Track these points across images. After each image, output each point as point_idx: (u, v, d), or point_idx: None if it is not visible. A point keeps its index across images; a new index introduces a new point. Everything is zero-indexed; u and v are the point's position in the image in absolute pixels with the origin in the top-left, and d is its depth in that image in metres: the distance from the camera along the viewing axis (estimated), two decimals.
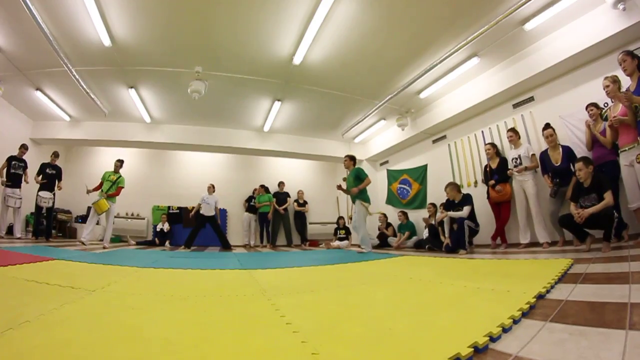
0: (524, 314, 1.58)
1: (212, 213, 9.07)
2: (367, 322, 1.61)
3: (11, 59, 6.71)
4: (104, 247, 7.02)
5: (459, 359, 1.02)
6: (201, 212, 8.97)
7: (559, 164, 5.16)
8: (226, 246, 9.13)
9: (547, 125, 5.36)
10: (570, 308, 1.65)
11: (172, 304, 2.06)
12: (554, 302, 1.80)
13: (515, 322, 1.46)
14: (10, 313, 1.61)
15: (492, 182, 6.09)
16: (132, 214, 11.06)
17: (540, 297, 1.89)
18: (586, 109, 4.88)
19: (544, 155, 5.42)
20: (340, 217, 10.85)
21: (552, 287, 2.14)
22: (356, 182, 6.68)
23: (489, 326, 1.32)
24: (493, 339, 1.24)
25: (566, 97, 5.76)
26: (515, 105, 6.68)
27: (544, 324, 1.43)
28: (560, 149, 5.23)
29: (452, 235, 6.05)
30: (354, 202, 6.96)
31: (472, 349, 1.10)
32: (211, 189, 9.36)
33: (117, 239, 9.99)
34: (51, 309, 1.72)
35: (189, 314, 1.83)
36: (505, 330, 1.35)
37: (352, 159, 7.09)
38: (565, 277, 2.50)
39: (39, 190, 7.85)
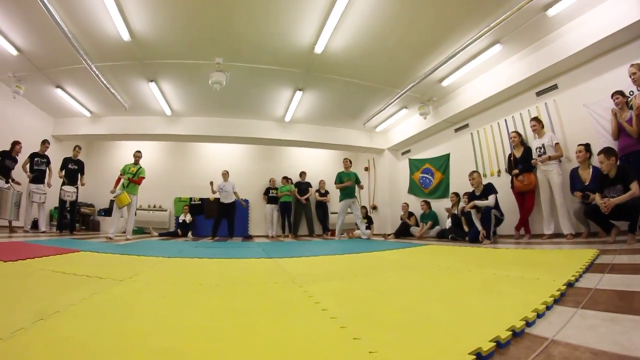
0: (556, 301, 1.59)
1: (232, 199, 9.23)
2: (402, 308, 1.63)
3: (30, 58, 6.85)
4: (127, 239, 7.20)
5: (499, 342, 1.05)
6: (221, 200, 9.16)
7: (587, 183, 5.03)
8: (230, 235, 9.34)
9: (581, 145, 5.18)
10: (599, 296, 1.66)
11: (203, 292, 2.06)
12: (584, 290, 1.81)
13: (548, 308, 1.48)
14: (39, 303, 1.62)
15: (515, 171, 6.03)
16: (154, 206, 11.28)
17: (569, 285, 1.90)
18: (612, 97, 4.77)
19: (574, 173, 5.30)
20: (363, 207, 10.87)
21: (580, 276, 2.14)
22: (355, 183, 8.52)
23: (524, 311, 1.34)
24: (529, 323, 1.26)
25: (591, 85, 5.65)
26: (539, 93, 6.58)
27: (575, 310, 1.45)
28: (591, 169, 5.08)
29: (482, 224, 5.97)
30: (352, 197, 8.56)
31: (511, 333, 1.13)
32: (226, 175, 9.55)
33: (140, 230, 10.26)
34: (81, 299, 1.73)
35: (222, 302, 1.82)
36: (539, 315, 1.37)
37: (351, 162, 8.95)
38: (592, 267, 2.50)
39: (62, 185, 8.04)
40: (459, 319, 1.40)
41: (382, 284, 2.33)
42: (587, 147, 5.12)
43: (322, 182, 11.81)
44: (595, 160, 4.80)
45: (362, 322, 1.36)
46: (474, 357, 0.94)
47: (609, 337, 1.10)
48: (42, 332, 1.21)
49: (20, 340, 1.11)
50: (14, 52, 6.56)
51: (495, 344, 1.04)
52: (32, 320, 1.31)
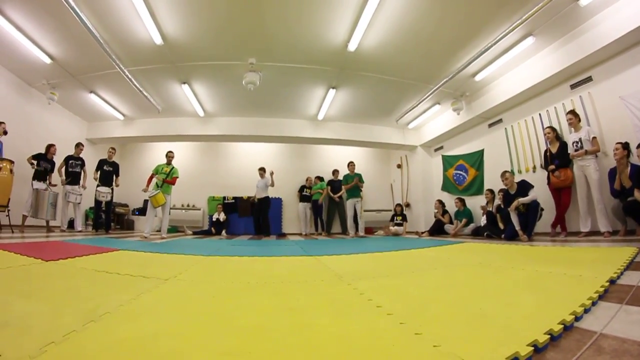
0: (600, 297, 1.63)
1: (265, 194, 9.46)
2: (454, 304, 1.67)
3: (63, 65, 7.12)
4: (162, 238, 7.38)
5: (552, 335, 1.12)
6: (257, 197, 9.40)
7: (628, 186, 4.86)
8: (260, 232, 9.55)
9: (619, 143, 5.00)
10: None
11: (252, 291, 2.03)
12: (626, 287, 1.84)
13: (594, 303, 1.52)
14: (87, 304, 1.59)
15: (552, 167, 5.97)
16: (188, 205, 11.53)
17: (612, 282, 1.93)
18: None
19: (613, 171, 5.17)
20: (398, 205, 10.96)
21: (621, 273, 2.16)
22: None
23: (571, 306, 1.39)
24: (577, 318, 1.32)
25: (626, 75, 5.50)
26: (573, 86, 6.45)
27: (620, 306, 1.49)
28: (629, 168, 4.90)
29: (520, 220, 5.90)
30: (357, 197, 10.09)
31: (562, 326, 1.19)
32: (262, 173, 9.76)
33: (174, 229, 10.47)
34: (129, 299, 1.72)
35: (275, 300, 1.79)
36: (586, 310, 1.42)
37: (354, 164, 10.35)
38: (632, 265, 2.50)
39: (97, 186, 8.31)
40: (512, 313, 1.44)
41: (429, 281, 2.36)
42: (626, 145, 4.98)
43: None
44: (623, 120, 4.88)
45: (418, 318, 1.38)
46: (532, 348, 1.02)
47: None
48: (95, 334, 1.20)
49: (74, 344, 1.10)
50: (47, 60, 6.85)
51: (549, 336, 1.11)
52: (83, 322, 1.30)
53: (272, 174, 9.56)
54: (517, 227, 5.89)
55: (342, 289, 2.07)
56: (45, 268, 2.64)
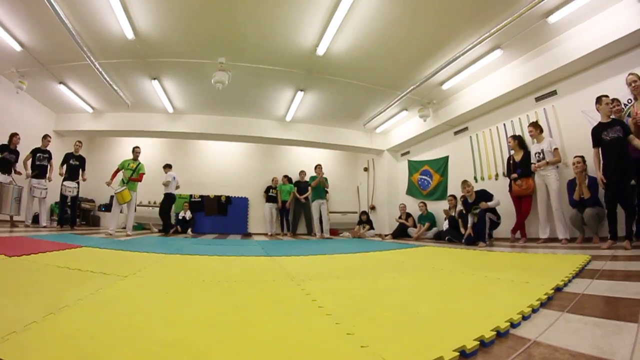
0: (542, 304, 1.66)
1: (169, 190, 9.38)
2: (394, 307, 1.71)
3: (34, 54, 6.88)
4: (127, 235, 7.24)
5: (483, 342, 1.12)
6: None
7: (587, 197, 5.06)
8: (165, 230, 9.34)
9: (578, 156, 5.19)
10: (586, 301, 1.72)
11: (205, 289, 2.13)
12: (571, 294, 1.88)
13: (534, 311, 1.55)
14: (48, 298, 1.68)
15: (514, 175, 6.11)
16: (154, 202, 11.28)
17: (558, 289, 1.97)
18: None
19: (572, 183, 5.37)
20: (363, 212, 11.18)
21: (569, 280, 2.21)
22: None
23: (510, 313, 1.41)
24: (514, 325, 1.33)
25: (589, 91, 5.60)
26: (538, 99, 6.60)
27: (560, 314, 1.51)
28: (587, 180, 5.13)
29: (473, 227, 6.09)
30: (323, 198, 10.29)
31: (495, 333, 1.20)
32: (167, 170, 9.74)
33: (140, 226, 10.33)
34: (87, 294, 1.79)
35: (223, 298, 1.89)
36: (524, 317, 1.43)
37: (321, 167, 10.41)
38: (582, 272, 2.56)
39: (63, 180, 8.07)
40: (448, 318, 1.47)
41: (377, 284, 2.40)
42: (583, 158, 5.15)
43: None
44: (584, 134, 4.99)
45: (356, 319, 1.43)
46: (458, 354, 1.02)
47: (589, 341, 1.16)
48: (54, 325, 1.27)
49: (34, 333, 1.16)
50: (18, 48, 6.59)
51: (479, 342, 1.11)
52: (43, 314, 1.36)
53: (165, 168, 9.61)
54: (469, 227, 6.15)
55: (290, 290, 2.15)
56: (8, 263, 2.68)
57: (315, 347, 1.13)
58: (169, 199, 9.30)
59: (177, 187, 9.68)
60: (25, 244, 4.07)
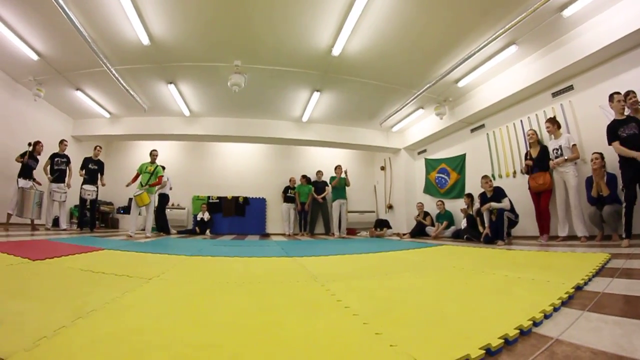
0: (564, 303, 1.68)
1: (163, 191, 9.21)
2: (419, 306, 1.73)
3: (51, 62, 7.06)
4: (146, 237, 7.35)
5: (507, 340, 1.16)
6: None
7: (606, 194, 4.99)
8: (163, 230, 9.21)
9: (596, 153, 5.12)
10: (606, 300, 1.73)
11: (229, 290, 2.13)
12: (591, 293, 1.89)
13: (556, 309, 1.57)
14: (74, 302, 1.67)
15: (528, 162, 6.10)
16: (173, 204, 11.44)
17: (578, 288, 1.98)
18: (625, 97, 4.63)
19: (590, 179, 5.30)
20: (378, 221, 11.30)
21: (589, 279, 2.21)
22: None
23: (532, 312, 1.44)
24: (536, 323, 1.36)
25: (606, 85, 5.57)
26: (555, 94, 6.56)
27: (581, 312, 1.53)
28: (605, 177, 5.06)
29: (491, 226, 6.08)
30: (344, 198, 10.51)
31: (518, 331, 1.23)
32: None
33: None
34: (114, 297, 1.79)
35: (249, 300, 1.89)
36: (546, 316, 1.46)
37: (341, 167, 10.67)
38: (602, 271, 2.55)
39: (82, 184, 8.24)
40: (472, 317, 1.50)
41: (400, 284, 2.42)
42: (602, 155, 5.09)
43: None
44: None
45: (382, 319, 1.45)
46: (484, 352, 1.06)
47: (610, 339, 1.18)
48: (84, 329, 1.28)
49: (64, 338, 1.17)
50: (35, 57, 6.77)
51: (503, 341, 1.15)
52: (72, 318, 1.38)
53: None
54: (487, 226, 6.16)
55: (315, 290, 2.15)
56: (32, 267, 2.67)
57: (346, 347, 1.15)
58: (163, 199, 9.33)
59: (170, 189, 9.75)
60: (47, 248, 4.12)
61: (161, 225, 9.17)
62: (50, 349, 1.07)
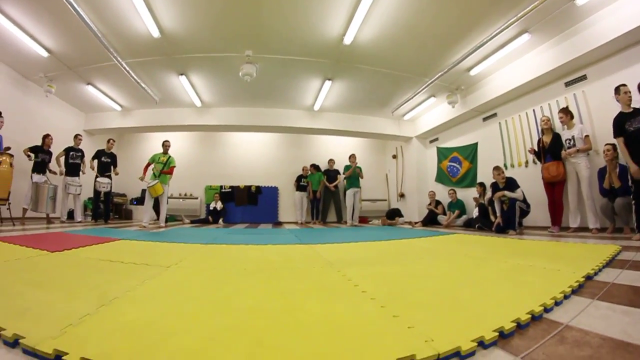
0: (574, 291, 1.74)
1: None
2: (433, 291, 1.80)
3: (61, 58, 7.16)
4: (160, 227, 7.49)
5: (519, 324, 1.22)
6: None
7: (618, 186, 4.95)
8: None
9: (609, 144, 5.05)
10: (616, 290, 1.78)
11: (248, 277, 2.19)
12: (601, 283, 1.94)
13: (566, 297, 1.63)
14: (96, 291, 1.71)
15: (532, 149, 6.27)
16: (186, 194, 11.65)
17: (588, 278, 2.03)
18: (639, 87, 4.54)
19: (603, 171, 5.27)
20: (389, 211, 11.25)
21: (600, 270, 2.26)
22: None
23: (543, 299, 1.50)
24: (547, 309, 1.42)
25: (620, 76, 5.50)
26: (568, 84, 6.49)
27: (591, 301, 1.59)
28: (618, 168, 4.99)
29: (502, 215, 6.11)
30: (357, 186, 10.16)
31: (530, 316, 1.30)
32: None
33: (172, 218, 10.61)
34: (135, 285, 1.84)
35: (268, 285, 1.96)
36: (557, 303, 1.52)
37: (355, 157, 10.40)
38: (612, 262, 2.59)
39: (96, 177, 8.43)
40: (485, 302, 1.56)
41: (413, 270, 2.48)
42: (615, 146, 4.98)
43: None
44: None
45: (398, 303, 1.53)
46: (497, 334, 1.13)
47: (618, 327, 1.24)
48: (108, 316, 1.32)
49: (90, 325, 1.21)
50: (45, 54, 6.89)
51: (515, 324, 1.22)
52: (95, 306, 1.42)
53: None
54: (498, 216, 6.20)
55: (332, 276, 2.22)
56: (51, 259, 2.73)
57: (366, 328, 1.22)
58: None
59: None
60: (64, 239, 4.20)
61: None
62: (78, 336, 1.11)
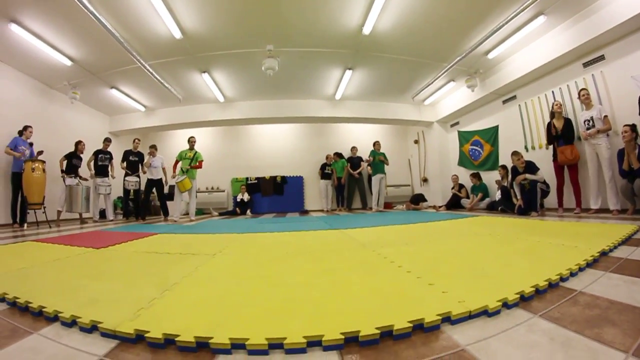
0: (588, 265, 1.93)
1: (160, 175, 9.00)
2: (461, 265, 2.02)
3: (84, 65, 7.46)
4: (191, 220, 7.81)
5: (538, 289, 1.46)
6: (148, 177, 8.83)
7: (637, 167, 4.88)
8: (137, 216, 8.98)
9: (627, 125, 4.99)
10: (628, 264, 1.96)
11: (291, 259, 2.39)
12: (615, 259, 2.11)
13: (581, 269, 1.83)
14: (154, 279, 1.84)
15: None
16: (213, 188, 11.95)
17: (603, 253, 2.21)
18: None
19: (622, 152, 5.17)
20: (416, 195, 11.37)
21: (615, 247, 2.43)
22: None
23: (560, 270, 1.71)
24: (563, 279, 1.65)
25: (639, 55, 5.49)
26: (586, 65, 6.45)
27: (603, 273, 1.79)
28: (637, 149, 4.90)
29: (524, 197, 6.22)
30: (383, 172, 10.52)
31: (547, 284, 1.53)
32: (154, 151, 8.85)
33: (200, 211, 10.92)
34: (189, 271, 1.98)
35: (312, 265, 2.15)
36: (572, 274, 1.73)
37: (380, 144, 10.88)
38: (628, 241, 2.73)
39: (125, 176, 8.74)
40: (508, 272, 1.78)
41: (442, 248, 2.68)
42: (634, 127, 4.95)
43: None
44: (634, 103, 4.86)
45: (432, 274, 1.77)
46: (519, 297, 1.37)
47: (626, 293, 1.44)
48: (174, 299, 1.46)
49: (160, 307, 1.34)
50: (68, 63, 7.18)
51: (535, 290, 1.45)
52: (159, 291, 1.56)
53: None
54: (519, 198, 6.33)
55: (367, 254, 2.45)
56: (100, 254, 2.88)
57: (407, 294, 1.46)
58: (152, 185, 8.93)
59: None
60: (103, 237, 4.34)
61: (137, 210, 9.08)
62: (153, 316, 1.24)
